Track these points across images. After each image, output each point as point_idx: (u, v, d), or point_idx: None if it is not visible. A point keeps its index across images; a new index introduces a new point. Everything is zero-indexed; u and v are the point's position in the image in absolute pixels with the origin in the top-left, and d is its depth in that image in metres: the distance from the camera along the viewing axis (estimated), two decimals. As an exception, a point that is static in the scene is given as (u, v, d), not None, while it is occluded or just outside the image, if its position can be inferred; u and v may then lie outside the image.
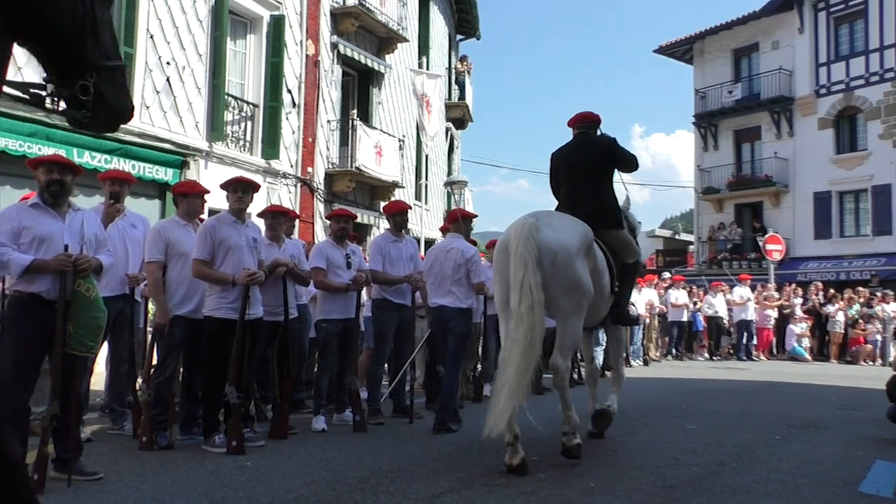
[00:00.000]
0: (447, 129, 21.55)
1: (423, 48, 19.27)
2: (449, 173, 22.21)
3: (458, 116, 21.64)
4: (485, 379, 7.92)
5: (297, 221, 7.41)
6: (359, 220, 15.59)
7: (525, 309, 4.17)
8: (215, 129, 11.83)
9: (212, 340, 4.93)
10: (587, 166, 5.20)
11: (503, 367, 4.23)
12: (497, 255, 4.59)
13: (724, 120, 26.02)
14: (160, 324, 5.13)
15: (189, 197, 5.44)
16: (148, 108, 10.81)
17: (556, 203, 5.44)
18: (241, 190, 5.18)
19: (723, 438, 5.63)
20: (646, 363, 13.42)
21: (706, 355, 15.73)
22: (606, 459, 4.77)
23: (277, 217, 6.06)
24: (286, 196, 13.50)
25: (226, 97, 12.15)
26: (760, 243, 20.99)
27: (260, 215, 6.28)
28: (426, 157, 17.12)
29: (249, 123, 12.86)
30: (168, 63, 11.10)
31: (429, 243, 18.08)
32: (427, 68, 19.13)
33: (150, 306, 5.96)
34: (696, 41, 26.86)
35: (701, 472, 4.51)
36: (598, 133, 5.45)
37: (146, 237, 5.39)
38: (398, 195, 16.74)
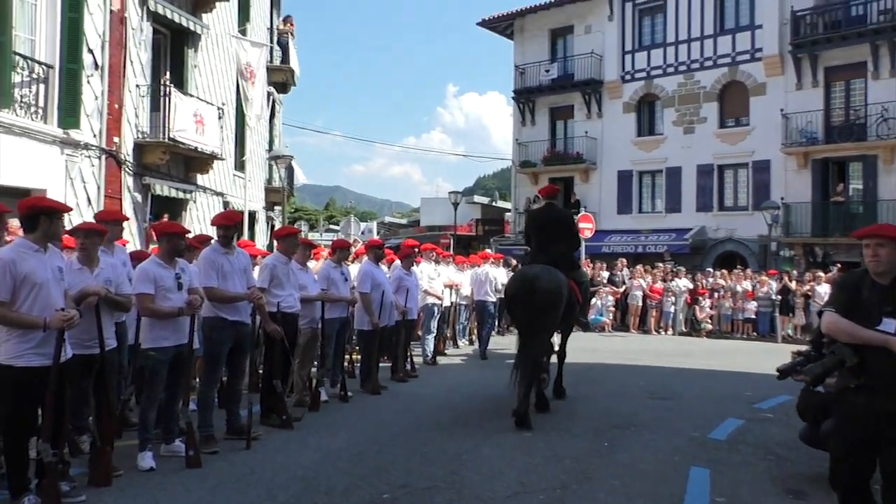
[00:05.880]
0: (269, 94, 20.43)
1: (244, 7, 17.99)
2: (270, 139, 21.20)
3: (280, 80, 20.59)
4: (321, 385, 7.70)
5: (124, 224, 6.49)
6: (173, 195, 14.48)
7: None
8: (1, 93, 10.20)
9: (15, 392, 4.19)
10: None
11: None
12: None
13: (541, 97, 27.22)
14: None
15: None
16: (-90, 67, 9.07)
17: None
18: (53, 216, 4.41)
19: (560, 450, 5.91)
20: (470, 342, 13.86)
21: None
22: (452, 481, 4.80)
23: (92, 236, 5.07)
24: (88, 170, 12.07)
25: (12, 56, 10.49)
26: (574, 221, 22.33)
27: (70, 233, 5.34)
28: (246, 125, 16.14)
29: (42, 87, 11.24)
30: (-64, 14, 9.34)
31: (251, 216, 17.23)
32: (248, 26, 17.92)
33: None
34: (517, 18, 27.66)
35: (547, 499, 4.70)
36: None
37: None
38: (217, 167, 15.67)
